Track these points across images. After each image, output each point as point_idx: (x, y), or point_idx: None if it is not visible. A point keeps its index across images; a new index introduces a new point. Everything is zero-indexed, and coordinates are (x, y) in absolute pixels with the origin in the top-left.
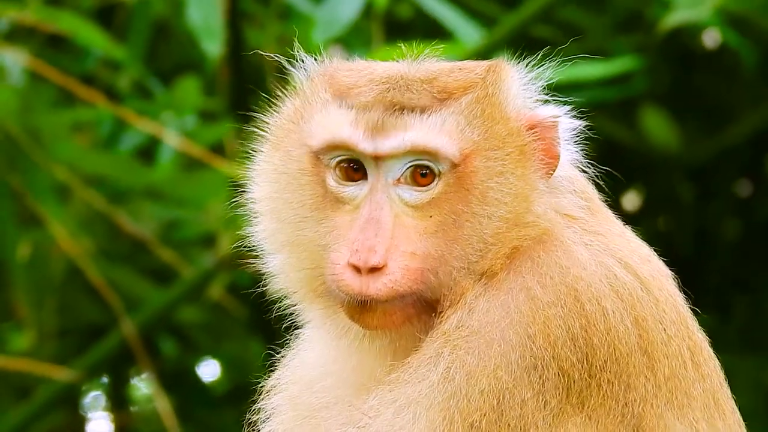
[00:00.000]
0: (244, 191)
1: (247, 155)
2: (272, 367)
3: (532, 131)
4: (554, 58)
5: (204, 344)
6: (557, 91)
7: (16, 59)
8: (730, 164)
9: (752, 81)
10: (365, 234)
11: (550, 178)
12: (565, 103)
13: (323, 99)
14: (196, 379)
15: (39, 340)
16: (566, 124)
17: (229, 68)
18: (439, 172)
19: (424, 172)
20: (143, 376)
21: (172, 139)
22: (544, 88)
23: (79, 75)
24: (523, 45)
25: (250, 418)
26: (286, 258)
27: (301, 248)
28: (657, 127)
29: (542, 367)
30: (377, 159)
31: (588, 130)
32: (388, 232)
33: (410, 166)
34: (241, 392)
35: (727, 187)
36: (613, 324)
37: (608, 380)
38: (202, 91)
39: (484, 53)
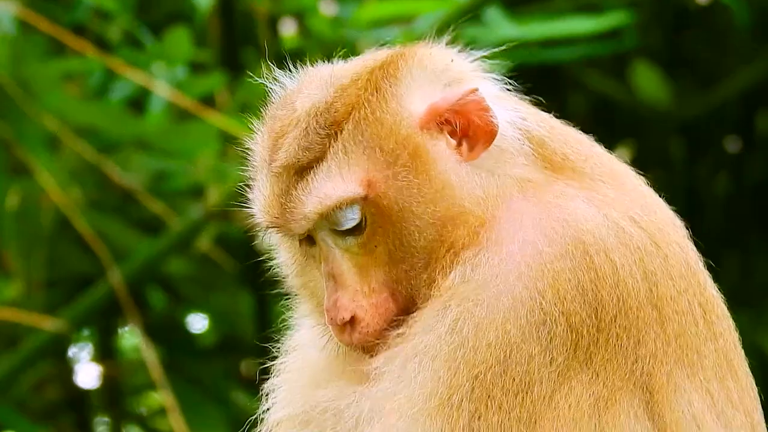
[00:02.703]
0: (232, 144)
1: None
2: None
3: (439, 120)
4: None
5: (192, 296)
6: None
7: (6, 9)
8: (720, 121)
9: (744, 38)
10: (329, 292)
11: (487, 148)
12: (497, 63)
13: (257, 162)
14: (184, 331)
15: (27, 290)
16: (491, 88)
17: (220, 19)
18: (360, 212)
19: None
20: (131, 326)
21: (162, 90)
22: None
23: (70, 25)
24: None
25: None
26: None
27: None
28: (648, 82)
29: (551, 322)
30: None
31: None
32: (346, 282)
33: None
34: (230, 344)
35: (717, 143)
36: (622, 277)
37: (617, 335)
38: (193, 42)
39: (472, 8)
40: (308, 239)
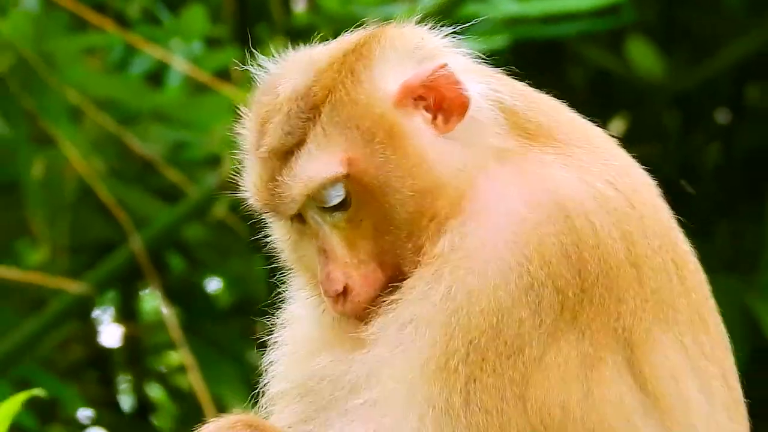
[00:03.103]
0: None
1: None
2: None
3: (414, 96)
4: None
5: (208, 260)
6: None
7: None
8: (712, 93)
9: (734, 14)
10: (321, 265)
11: (461, 120)
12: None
13: (246, 146)
14: (201, 293)
15: (52, 255)
16: (462, 62)
17: None
18: (344, 190)
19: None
20: (151, 289)
21: (179, 65)
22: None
23: (91, 2)
24: None
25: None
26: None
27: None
28: (643, 56)
29: (539, 286)
30: None
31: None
32: (336, 256)
33: None
34: (244, 306)
35: (709, 115)
36: (602, 238)
37: (600, 294)
38: (208, 19)
39: None
40: (299, 218)
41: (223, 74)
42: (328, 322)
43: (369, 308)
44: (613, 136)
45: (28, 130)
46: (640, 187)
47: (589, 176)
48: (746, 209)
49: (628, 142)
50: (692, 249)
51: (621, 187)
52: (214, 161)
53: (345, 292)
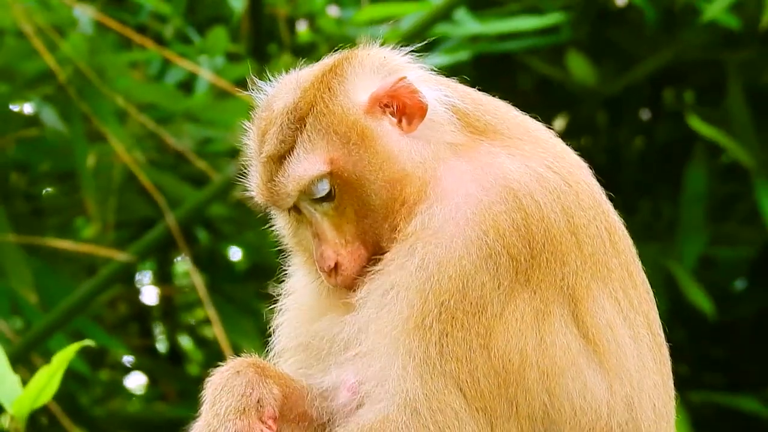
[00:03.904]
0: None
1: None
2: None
3: (381, 104)
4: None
5: (229, 233)
6: (503, 38)
7: (85, 12)
8: (636, 96)
9: (652, 31)
10: (316, 247)
11: (422, 122)
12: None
13: (250, 153)
14: (223, 260)
15: (102, 230)
16: (419, 73)
17: (250, 20)
18: (329, 184)
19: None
20: (182, 257)
21: (206, 75)
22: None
23: (135, 25)
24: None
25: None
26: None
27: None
28: (579, 67)
29: (496, 255)
30: None
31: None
32: (327, 238)
33: None
34: (259, 270)
35: (633, 113)
36: (546, 213)
37: (546, 259)
38: (229, 38)
39: (445, 10)
40: (295, 209)
41: (241, 83)
42: (324, 291)
43: (357, 279)
44: (552, 130)
45: (83, 129)
46: (575, 170)
47: (531, 162)
48: (663, 190)
49: (567, 136)
50: (620, 220)
51: (558, 169)
52: (234, 153)
53: (336, 267)
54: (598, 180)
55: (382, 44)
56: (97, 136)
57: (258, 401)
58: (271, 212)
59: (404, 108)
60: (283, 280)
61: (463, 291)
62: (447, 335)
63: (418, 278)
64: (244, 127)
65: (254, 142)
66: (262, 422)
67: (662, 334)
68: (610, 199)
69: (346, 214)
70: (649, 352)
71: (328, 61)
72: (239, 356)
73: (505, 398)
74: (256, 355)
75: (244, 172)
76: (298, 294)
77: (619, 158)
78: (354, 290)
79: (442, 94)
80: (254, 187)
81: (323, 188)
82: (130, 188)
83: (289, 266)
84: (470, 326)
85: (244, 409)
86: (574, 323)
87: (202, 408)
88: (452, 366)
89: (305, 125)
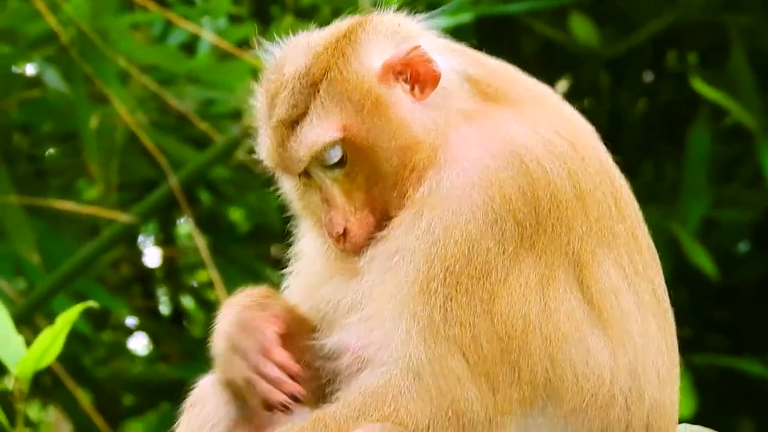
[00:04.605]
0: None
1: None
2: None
3: (394, 72)
4: None
5: (231, 195)
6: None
7: None
8: (638, 58)
9: None
10: (325, 212)
11: (434, 89)
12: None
13: (259, 117)
14: (226, 222)
15: (105, 191)
16: (432, 41)
17: None
18: (341, 150)
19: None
20: (185, 219)
21: (208, 37)
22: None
23: None
24: None
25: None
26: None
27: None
28: (582, 29)
29: (501, 220)
30: None
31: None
32: (337, 204)
33: None
34: (261, 232)
35: (636, 76)
36: (552, 178)
37: (552, 224)
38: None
39: None
40: (305, 174)
41: (244, 44)
42: (331, 256)
43: (365, 245)
44: (557, 94)
45: (86, 90)
46: (581, 134)
47: (538, 128)
48: (666, 152)
49: (569, 98)
50: (626, 184)
51: (565, 134)
52: (236, 115)
53: (345, 233)
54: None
55: (389, 7)
56: (100, 97)
57: (270, 317)
58: (279, 176)
59: (417, 76)
60: (291, 242)
61: (468, 256)
62: (451, 300)
63: (423, 243)
64: (252, 88)
65: (263, 105)
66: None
67: (668, 300)
68: (614, 161)
69: (356, 181)
70: (654, 319)
71: (340, 25)
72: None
73: (507, 363)
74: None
75: (250, 135)
76: (307, 257)
77: (621, 120)
78: (361, 256)
79: (455, 62)
80: (264, 152)
81: (335, 155)
82: (132, 150)
83: (297, 228)
84: (474, 291)
85: (248, 305)
86: (578, 289)
87: (213, 343)
88: (456, 331)
89: (318, 91)
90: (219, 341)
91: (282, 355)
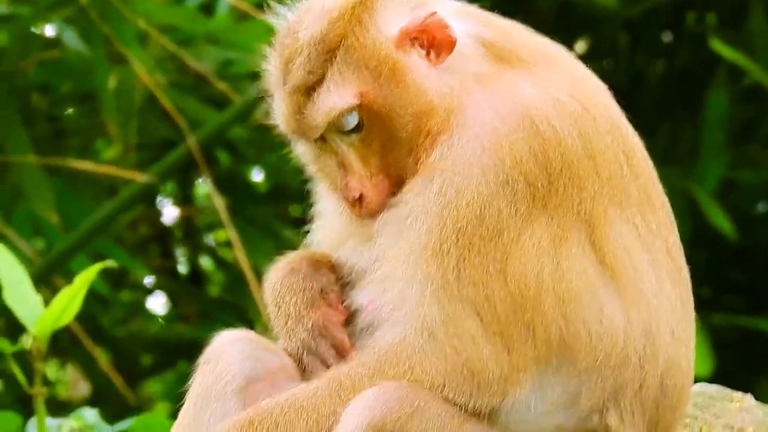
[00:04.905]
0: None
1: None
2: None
3: (410, 38)
4: None
5: (250, 155)
6: None
7: None
8: (657, 19)
9: None
10: (341, 177)
11: (450, 54)
12: None
13: (273, 81)
14: (244, 182)
15: (124, 151)
16: (448, 6)
17: None
18: (358, 116)
19: None
20: (203, 179)
21: None
22: None
23: None
24: None
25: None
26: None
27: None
28: None
29: (512, 181)
30: None
31: None
32: (353, 169)
33: None
34: (279, 192)
35: (654, 36)
36: (562, 138)
37: (564, 184)
38: None
39: None
40: (321, 139)
41: (262, 5)
42: (347, 219)
43: (379, 210)
44: (573, 54)
45: (105, 51)
46: (594, 94)
47: (550, 88)
48: (685, 113)
49: (588, 59)
50: (641, 143)
51: (577, 95)
52: (255, 75)
53: (360, 198)
54: (619, 103)
55: None
56: (119, 58)
57: (321, 291)
58: (294, 141)
59: (433, 41)
60: (310, 203)
61: (480, 217)
62: (464, 260)
63: (436, 205)
64: (265, 52)
65: (277, 70)
66: (333, 308)
67: (683, 258)
68: (631, 122)
69: (372, 147)
70: (668, 277)
71: None
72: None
73: (521, 323)
74: (308, 249)
75: (267, 98)
76: (326, 219)
77: (640, 81)
78: (376, 220)
79: (469, 26)
80: (280, 118)
81: (352, 121)
82: (151, 110)
83: (315, 189)
84: (487, 251)
85: (312, 302)
86: (591, 248)
87: (268, 311)
88: (469, 291)
89: (335, 58)
90: (281, 309)
91: (342, 337)
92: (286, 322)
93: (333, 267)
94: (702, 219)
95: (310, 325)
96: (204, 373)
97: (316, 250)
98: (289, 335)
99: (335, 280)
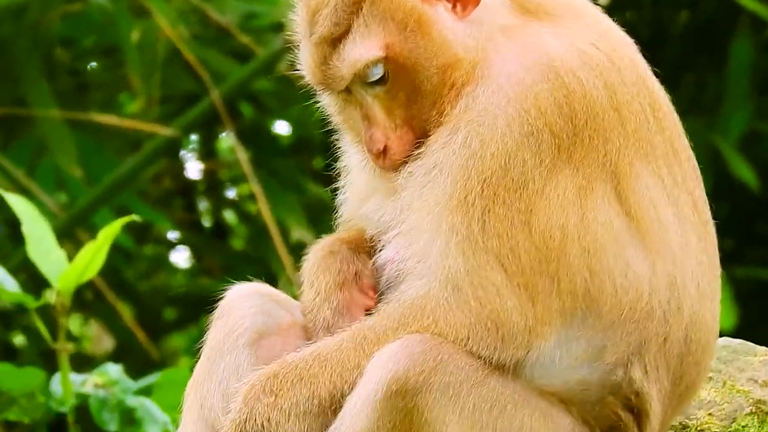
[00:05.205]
0: None
1: None
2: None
3: None
4: None
5: (273, 108)
6: None
7: None
8: None
9: None
10: (365, 129)
11: (476, 7)
12: None
13: (299, 32)
14: (268, 135)
15: (147, 105)
16: None
17: None
18: (383, 68)
19: None
20: (227, 132)
21: None
22: None
23: None
24: None
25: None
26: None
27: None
28: None
29: (537, 132)
30: None
31: None
32: (378, 121)
33: None
34: (303, 144)
35: None
36: (587, 89)
37: (589, 136)
38: None
39: None
40: (346, 90)
41: None
42: (372, 171)
43: (403, 162)
44: (598, 6)
45: (128, 4)
46: (619, 46)
47: (575, 40)
48: (708, 64)
49: (611, 11)
50: (666, 96)
51: (602, 46)
52: (278, 27)
53: (385, 150)
54: (643, 55)
55: None
56: (141, 11)
57: (355, 274)
58: (319, 92)
59: None
60: (333, 156)
61: (505, 168)
62: (489, 212)
63: (460, 156)
64: (291, 2)
65: (303, 21)
66: (363, 293)
67: (708, 212)
68: (654, 74)
69: (397, 99)
70: (693, 230)
71: None
72: (288, 232)
73: (546, 274)
74: (350, 230)
75: (291, 49)
76: (352, 175)
77: (663, 32)
78: (400, 173)
79: None
80: (306, 69)
81: (377, 72)
82: (174, 63)
83: (341, 142)
84: (512, 203)
85: (343, 282)
86: (616, 200)
87: (302, 288)
88: (494, 242)
89: (361, 9)
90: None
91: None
92: (314, 298)
93: (371, 252)
94: (725, 171)
95: (335, 304)
96: (216, 327)
97: (357, 232)
98: (314, 310)
99: (372, 265)
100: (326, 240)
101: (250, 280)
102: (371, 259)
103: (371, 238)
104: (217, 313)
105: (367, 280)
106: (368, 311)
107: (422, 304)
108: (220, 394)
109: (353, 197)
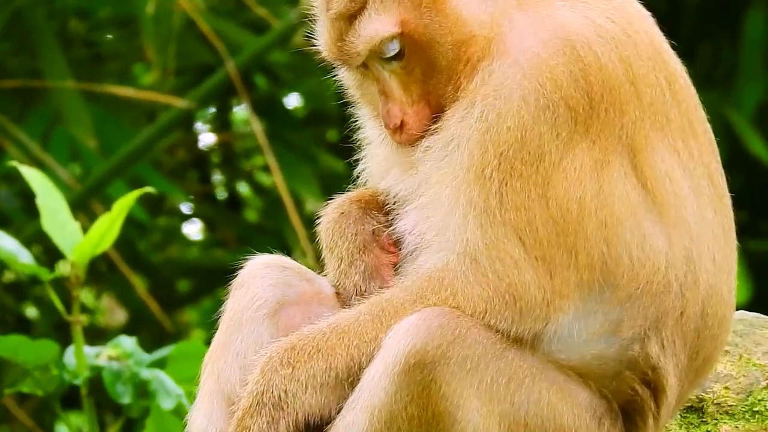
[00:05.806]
0: None
1: None
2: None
3: None
4: None
5: (288, 80)
6: None
7: None
8: None
9: None
10: (382, 104)
11: None
12: None
13: (316, 7)
14: (282, 107)
15: (162, 76)
16: None
17: None
18: (399, 44)
19: None
20: (242, 104)
21: None
22: None
23: None
24: None
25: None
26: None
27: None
28: None
29: (553, 106)
30: None
31: None
32: (394, 96)
33: None
34: (317, 116)
35: None
36: (603, 63)
37: (605, 109)
38: None
39: None
40: (363, 65)
41: None
42: (389, 146)
43: (420, 137)
44: None
45: None
46: (635, 19)
47: (591, 14)
48: (723, 36)
49: None
50: (683, 69)
51: (618, 20)
52: (294, 0)
53: (402, 125)
54: (659, 27)
55: None
56: None
57: (372, 233)
58: (337, 67)
59: None
60: (350, 128)
61: (522, 141)
62: (506, 185)
63: (477, 130)
64: None
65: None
66: (385, 250)
67: (725, 186)
68: (671, 46)
69: (413, 74)
70: (710, 203)
71: None
72: (302, 205)
73: (564, 247)
74: (358, 189)
75: (306, 22)
76: (371, 148)
77: (679, 5)
78: (417, 147)
79: None
80: (322, 44)
81: (393, 48)
82: (189, 34)
83: (359, 115)
84: (529, 176)
85: (364, 245)
86: (633, 173)
87: (323, 255)
88: (512, 215)
89: None
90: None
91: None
92: (339, 265)
93: (383, 207)
94: (739, 144)
95: (362, 267)
96: (235, 298)
97: (365, 190)
98: (342, 278)
99: (386, 220)
100: (335, 202)
101: (270, 252)
102: (383, 214)
103: (382, 193)
104: (236, 283)
105: (385, 236)
106: (395, 266)
107: (440, 277)
108: (237, 366)
109: (373, 169)
